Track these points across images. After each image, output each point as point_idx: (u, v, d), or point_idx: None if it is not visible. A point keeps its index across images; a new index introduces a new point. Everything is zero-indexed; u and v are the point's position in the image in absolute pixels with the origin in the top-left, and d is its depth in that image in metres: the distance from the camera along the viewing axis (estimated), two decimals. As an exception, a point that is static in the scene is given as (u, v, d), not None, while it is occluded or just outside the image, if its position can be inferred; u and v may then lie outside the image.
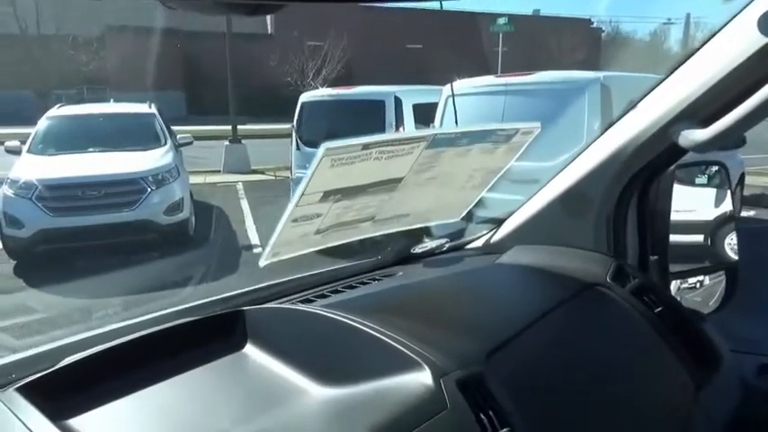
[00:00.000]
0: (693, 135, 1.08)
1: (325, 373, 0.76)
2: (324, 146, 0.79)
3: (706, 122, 1.05)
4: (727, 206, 1.46)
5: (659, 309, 1.18)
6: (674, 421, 1.01)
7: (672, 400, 1.05)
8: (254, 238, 6.41)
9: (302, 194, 0.86)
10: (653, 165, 1.26)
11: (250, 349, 0.85)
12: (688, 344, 1.17)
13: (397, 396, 0.70)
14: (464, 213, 1.29)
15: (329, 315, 0.86)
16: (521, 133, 1.08)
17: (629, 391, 0.97)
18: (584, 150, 1.31)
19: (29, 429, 0.63)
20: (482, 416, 0.73)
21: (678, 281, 1.75)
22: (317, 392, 0.74)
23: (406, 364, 0.75)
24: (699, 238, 1.63)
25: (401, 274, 1.28)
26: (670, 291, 1.49)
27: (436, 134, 0.95)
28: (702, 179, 1.49)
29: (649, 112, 1.17)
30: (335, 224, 1.01)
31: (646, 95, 1.19)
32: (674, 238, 1.82)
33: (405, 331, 0.82)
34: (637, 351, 1.08)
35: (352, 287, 1.12)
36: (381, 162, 0.90)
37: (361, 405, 0.68)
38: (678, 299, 1.35)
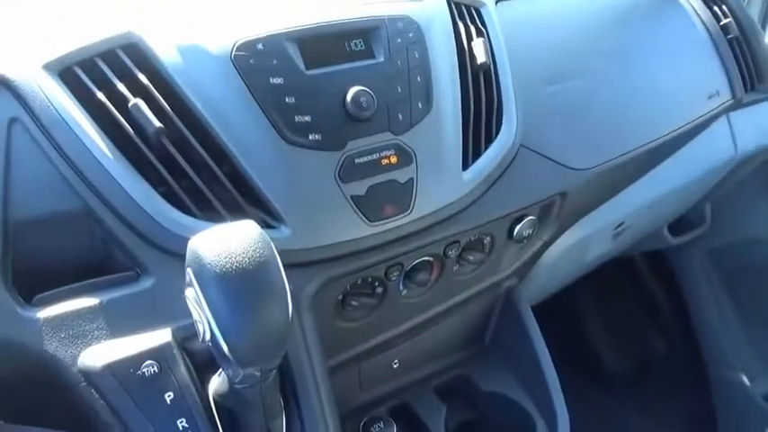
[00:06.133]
0: None
1: None
2: None
3: None
4: None
5: (727, 21, 1.09)
6: (689, 119, 1.00)
7: (695, 103, 1.03)
8: None
9: None
10: None
11: None
12: (743, 62, 1.10)
13: None
14: None
15: None
16: None
17: (642, 78, 0.96)
18: None
19: None
20: (459, 23, 0.76)
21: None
22: None
23: None
24: None
25: None
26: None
27: None
28: None
29: None
30: None
31: None
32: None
33: None
34: (675, 49, 1.03)
35: None
36: None
37: None
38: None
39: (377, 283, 0.75)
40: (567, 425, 0.84)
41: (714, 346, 1.48)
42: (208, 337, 0.45)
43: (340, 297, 0.73)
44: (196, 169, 0.61)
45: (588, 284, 1.43)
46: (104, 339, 0.56)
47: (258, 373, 0.49)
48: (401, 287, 0.78)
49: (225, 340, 0.44)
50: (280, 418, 0.58)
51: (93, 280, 0.59)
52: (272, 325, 0.45)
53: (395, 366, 0.88)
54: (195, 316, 0.47)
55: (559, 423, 0.84)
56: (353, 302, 0.74)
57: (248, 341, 0.45)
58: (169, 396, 0.55)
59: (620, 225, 1.09)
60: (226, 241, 0.44)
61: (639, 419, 1.52)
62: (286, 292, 0.46)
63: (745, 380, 1.43)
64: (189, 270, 0.45)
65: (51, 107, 0.59)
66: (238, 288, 0.43)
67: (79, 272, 0.59)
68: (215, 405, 0.56)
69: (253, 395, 0.52)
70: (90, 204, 0.59)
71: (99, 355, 0.55)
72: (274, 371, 0.52)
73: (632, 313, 1.68)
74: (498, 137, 0.77)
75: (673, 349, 1.65)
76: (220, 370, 0.55)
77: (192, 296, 0.45)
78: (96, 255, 0.61)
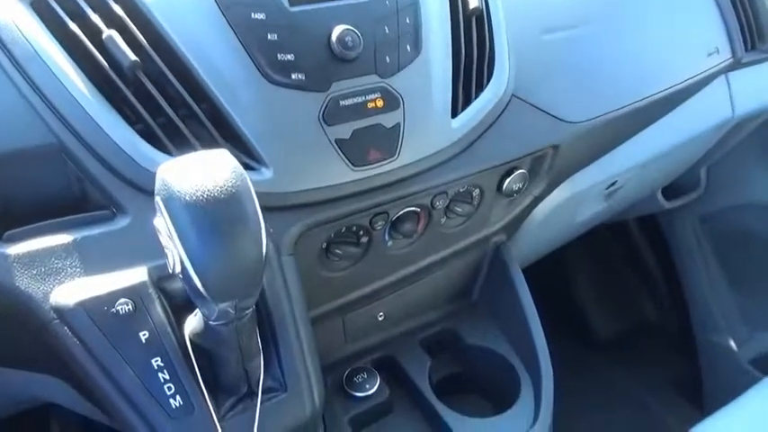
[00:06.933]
0: None
1: None
2: None
3: None
4: None
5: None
6: (687, 76, 0.98)
7: (693, 60, 1.00)
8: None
9: None
10: None
11: None
12: (744, 20, 1.07)
13: None
14: None
15: None
16: None
17: (641, 32, 0.93)
18: None
19: None
20: None
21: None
22: None
23: None
24: None
25: None
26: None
27: None
28: None
29: None
30: None
31: None
32: None
33: None
34: (676, 3, 1.00)
35: None
36: None
37: None
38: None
39: (362, 232, 0.73)
40: (551, 379, 0.84)
41: (703, 311, 1.48)
42: (178, 268, 0.44)
43: (324, 245, 0.71)
44: (173, 106, 0.59)
45: (580, 248, 1.42)
46: (78, 277, 0.55)
47: (233, 311, 0.48)
48: (387, 237, 0.76)
49: (195, 271, 0.43)
50: (257, 359, 0.57)
51: (67, 218, 0.57)
52: (244, 258, 0.44)
53: (380, 319, 0.87)
54: (165, 246, 0.45)
55: (543, 378, 0.84)
56: (337, 251, 0.72)
57: (219, 273, 0.43)
58: (144, 335, 0.54)
59: (612, 184, 1.07)
60: (197, 169, 0.42)
61: (625, 381, 1.53)
62: (260, 224, 0.44)
63: (733, 344, 1.43)
64: (158, 198, 0.43)
65: (23, 38, 0.56)
66: (209, 217, 0.42)
67: (53, 210, 0.58)
68: (191, 345, 0.55)
69: (228, 333, 0.51)
70: (63, 140, 0.57)
71: (72, 292, 0.54)
72: (250, 310, 0.51)
73: (623, 277, 1.68)
74: (489, 85, 0.75)
75: (662, 313, 1.66)
76: (197, 310, 0.53)
77: (162, 226, 0.44)
78: (71, 193, 0.59)
